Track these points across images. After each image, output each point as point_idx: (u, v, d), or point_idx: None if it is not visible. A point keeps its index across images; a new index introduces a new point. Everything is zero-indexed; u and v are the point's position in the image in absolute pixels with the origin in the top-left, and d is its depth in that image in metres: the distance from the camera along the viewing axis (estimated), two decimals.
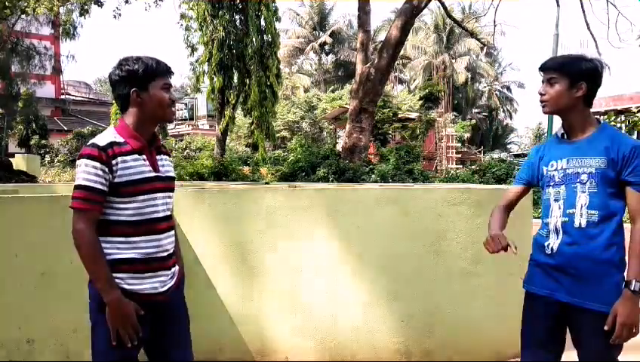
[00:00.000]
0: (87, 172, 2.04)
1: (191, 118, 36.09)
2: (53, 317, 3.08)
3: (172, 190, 2.27)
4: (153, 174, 2.15)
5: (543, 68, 2.27)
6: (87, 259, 2.03)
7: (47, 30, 19.75)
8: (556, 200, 2.23)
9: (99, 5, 14.44)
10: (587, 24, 13.04)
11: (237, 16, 17.54)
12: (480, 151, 32.64)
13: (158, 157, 2.22)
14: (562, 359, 2.30)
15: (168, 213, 2.23)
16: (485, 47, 18.11)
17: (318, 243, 3.57)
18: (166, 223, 2.19)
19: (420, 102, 27.91)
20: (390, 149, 16.01)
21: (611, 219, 2.14)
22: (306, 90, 39.11)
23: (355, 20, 19.67)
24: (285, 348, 3.58)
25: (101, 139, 2.09)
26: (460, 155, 28.28)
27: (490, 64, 45.40)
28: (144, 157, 2.14)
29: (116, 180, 2.05)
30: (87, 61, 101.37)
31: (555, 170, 2.25)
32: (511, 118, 49.23)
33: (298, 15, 44.18)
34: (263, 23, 17.40)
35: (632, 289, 2.04)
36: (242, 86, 17.67)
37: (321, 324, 3.57)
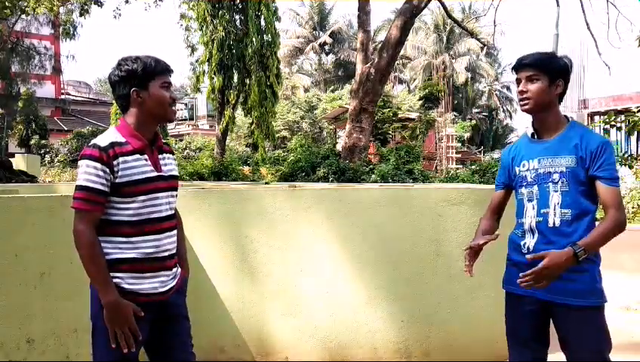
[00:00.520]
0: (88, 172, 2.04)
1: (191, 118, 36.07)
2: (53, 317, 3.08)
3: (175, 189, 2.27)
4: (155, 174, 2.14)
5: (521, 65, 2.25)
6: (86, 259, 2.03)
7: (47, 30, 19.75)
8: (530, 201, 2.25)
9: (99, 5, 14.44)
10: (587, 24, 13.04)
11: (237, 16, 17.53)
12: (480, 151, 32.65)
13: (160, 156, 2.22)
14: (555, 360, 2.31)
15: (171, 212, 2.22)
16: (485, 47, 18.10)
17: (318, 243, 3.57)
18: (168, 223, 2.19)
19: (420, 102, 27.92)
20: (390, 149, 16.00)
21: (584, 217, 2.15)
22: (306, 90, 39.11)
23: (355, 20, 19.67)
24: (285, 348, 3.58)
25: (102, 140, 2.09)
26: (459, 155, 28.28)
27: (490, 64, 45.39)
28: (146, 156, 2.14)
29: (117, 180, 2.05)
30: (87, 61, 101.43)
31: (527, 170, 2.26)
32: (511, 118, 49.23)
33: (298, 15, 44.17)
34: (263, 22, 17.40)
35: (575, 251, 2.03)
36: (242, 86, 17.66)
37: (321, 324, 3.57)
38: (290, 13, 43.65)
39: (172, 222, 2.23)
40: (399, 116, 23.26)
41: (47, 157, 22.53)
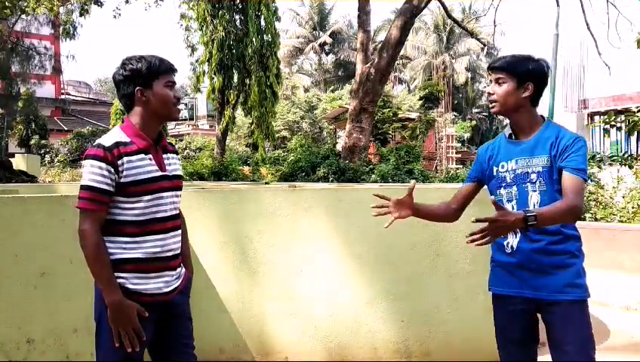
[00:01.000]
0: (92, 172, 2.03)
1: (191, 118, 36.07)
2: (53, 317, 3.08)
3: (179, 189, 2.27)
4: (159, 173, 2.14)
5: (491, 68, 2.30)
6: (91, 259, 2.03)
7: (47, 30, 19.76)
8: (509, 201, 2.26)
9: (99, 5, 14.44)
10: (587, 24, 13.03)
11: (237, 16, 17.54)
12: None
13: (164, 155, 2.22)
14: (547, 360, 2.31)
15: (175, 212, 2.22)
16: (485, 47, 18.11)
17: (318, 243, 3.57)
18: (172, 222, 2.19)
19: (420, 102, 27.91)
20: (390, 149, 15.99)
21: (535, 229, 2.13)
22: (306, 90, 39.11)
23: (355, 20, 19.67)
24: (285, 348, 3.58)
25: (107, 139, 2.09)
26: (459, 155, 28.28)
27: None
28: (150, 156, 2.14)
29: (122, 180, 2.05)
30: (87, 61, 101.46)
31: (505, 171, 2.28)
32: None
33: (298, 15, 44.17)
34: (263, 22, 17.41)
35: (527, 215, 1.99)
36: (242, 86, 17.67)
37: (321, 324, 3.57)
38: (290, 13, 43.67)
39: (176, 221, 2.23)
40: (399, 116, 23.25)
41: (47, 157, 22.54)
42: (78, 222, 2.04)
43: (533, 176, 2.20)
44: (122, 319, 2.03)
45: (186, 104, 35.22)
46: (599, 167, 9.96)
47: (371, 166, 13.44)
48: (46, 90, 25.63)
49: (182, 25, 18.11)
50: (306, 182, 11.93)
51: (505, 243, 2.27)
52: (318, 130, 30.51)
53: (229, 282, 3.59)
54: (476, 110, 44.77)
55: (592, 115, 19.93)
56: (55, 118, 29.68)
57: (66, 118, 30.53)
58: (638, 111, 10.75)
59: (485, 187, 2.47)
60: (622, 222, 8.38)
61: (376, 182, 11.64)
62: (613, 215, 8.66)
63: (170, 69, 2.19)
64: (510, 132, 2.32)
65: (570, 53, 19.67)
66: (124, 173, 2.05)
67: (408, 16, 12.55)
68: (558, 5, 13.70)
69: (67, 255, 3.03)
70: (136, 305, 2.06)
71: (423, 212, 2.53)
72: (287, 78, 33.30)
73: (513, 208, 2.23)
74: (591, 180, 8.88)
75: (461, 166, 24.53)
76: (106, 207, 2.06)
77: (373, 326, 3.59)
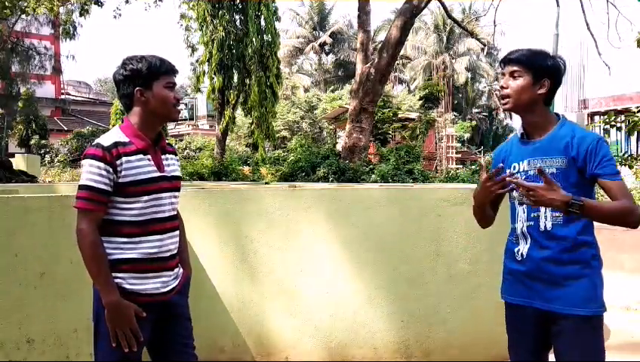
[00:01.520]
0: (91, 172, 2.04)
1: (191, 118, 36.07)
2: (53, 317, 3.08)
3: (178, 189, 2.27)
4: (158, 174, 2.14)
5: (507, 60, 2.14)
6: (88, 259, 2.03)
7: (47, 30, 19.76)
8: (520, 204, 2.14)
9: (99, 5, 14.43)
10: (587, 24, 13.03)
11: (237, 16, 17.53)
12: (480, 151, 32.65)
13: (163, 156, 2.22)
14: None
15: (174, 212, 2.22)
16: (485, 47, 18.11)
17: (318, 243, 3.57)
18: (170, 223, 2.19)
19: (420, 102, 27.91)
20: (390, 149, 15.98)
21: (577, 219, 2.03)
22: (306, 90, 39.11)
23: (355, 20, 19.66)
24: (285, 348, 3.58)
25: (105, 139, 2.09)
26: (459, 155, 28.28)
27: (490, 64, 45.39)
28: (149, 156, 2.14)
29: (121, 180, 2.05)
30: (87, 61, 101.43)
31: (517, 172, 2.16)
32: (511, 118, 49.12)
33: (298, 15, 44.18)
34: (263, 22, 17.40)
35: (572, 200, 1.90)
36: (242, 86, 17.67)
37: (321, 324, 3.57)
38: (290, 13, 43.67)
39: (174, 222, 2.23)
40: (399, 116, 23.25)
41: (47, 157, 22.52)
42: (76, 222, 2.04)
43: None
44: (119, 319, 2.03)
45: (186, 104, 35.22)
46: None
47: (371, 166, 13.45)
48: (46, 90, 25.62)
49: (182, 25, 18.11)
50: (306, 182, 11.92)
51: (515, 250, 2.18)
52: (318, 130, 30.50)
53: (229, 282, 3.59)
54: (476, 110, 44.78)
55: (592, 115, 19.92)
56: (55, 118, 29.67)
57: (66, 118, 30.52)
58: (638, 112, 10.74)
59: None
60: None
61: (376, 182, 11.64)
62: None
63: (170, 70, 2.18)
64: (522, 132, 2.20)
65: (570, 53, 19.66)
66: (123, 173, 2.05)
67: (408, 16, 12.55)
68: (558, 5, 13.71)
69: (67, 255, 3.03)
70: (133, 306, 2.06)
71: (491, 208, 2.32)
72: (287, 78, 33.29)
73: (524, 211, 2.13)
74: None
75: (461, 166, 24.54)
76: (104, 206, 2.06)
77: (373, 326, 3.59)
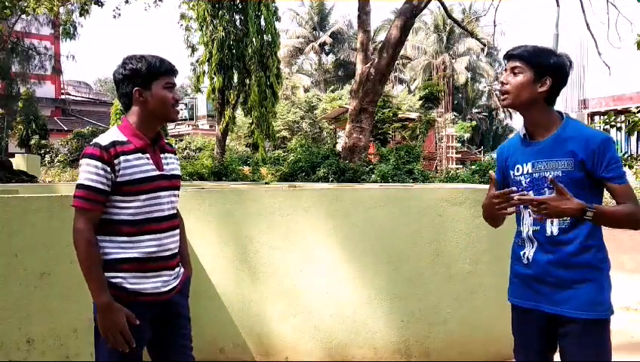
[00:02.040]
0: (88, 171, 2.04)
1: (191, 118, 36.08)
2: (53, 317, 3.08)
3: (177, 188, 2.26)
4: (157, 173, 2.14)
5: (509, 56, 2.10)
6: (82, 258, 2.03)
7: (47, 30, 19.77)
8: (526, 207, 2.09)
9: (99, 5, 14.43)
10: (587, 24, 13.04)
11: (237, 16, 17.54)
12: (480, 151, 32.63)
13: (162, 155, 2.21)
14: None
15: (173, 211, 2.22)
16: (485, 47, 18.11)
17: (318, 244, 3.57)
18: (170, 222, 2.18)
19: (420, 102, 27.91)
20: (390, 149, 15.99)
21: (584, 222, 1.98)
22: (306, 90, 39.10)
23: (355, 20, 19.66)
24: (285, 348, 3.58)
25: (104, 139, 2.09)
26: (459, 155, 28.27)
27: (490, 64, 45.40)
28: (147, 155, 2.13)
29: (119, 179, 2.05)
30: (87, 61, 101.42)
31: (521, 174, 2.11)
32: (511, 117, 49.20)
33: (298, 15, 44.19)
34: (263, 22, 17.40)
35: (586, 208, 1.89)
36: (242, 86, 17.68)
37: (321, 324, 3.57)
38: (290, 13, 43.69)
39: (174, 221, 2.22)
40: (399, 116, 23.25)
41: (47, 158, 22.54)
42: (73, 221, 2.04)
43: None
44: (109, 322, 2.01)
45: (185, 104, 35.24)
46: None
47: (371, 166, 13.45)
48: (46, 90, 25.63)
49: (182, 25, 18.12)
50: (306, 182, 11.92)
51: (521, 253, 2.14)
52: (318, 130, 30.50)
53: (229, 282, 3.59)
54: (476, 110, 44.78)
55: (592, 115, 19.93)
56: (55, 118, 29.68)
57: (66, 118, 30.54)
58: (638, 112, 10.74)
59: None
60: None
61: (376, 182, 11.64)
62: None
63: (170, 70, 2.18)
64: (524, 132, 2.14)
65: (570, 53, 19.67)
66: (121, 172, 2.05)
67: (408, 16, 12.56)
68: (558, 5, 13.71)
69: (67, 255, 3.02)
70: (125, 310, 2.03)
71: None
72: (287, 78, 33.28)
73: (530, 215, 2.09)
74: None
75: (461, 166, 24.54)
76: (101, 206, 2.05)
77: (373, 326, 3.59)
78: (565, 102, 19.90)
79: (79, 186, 2.04)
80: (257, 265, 3.58)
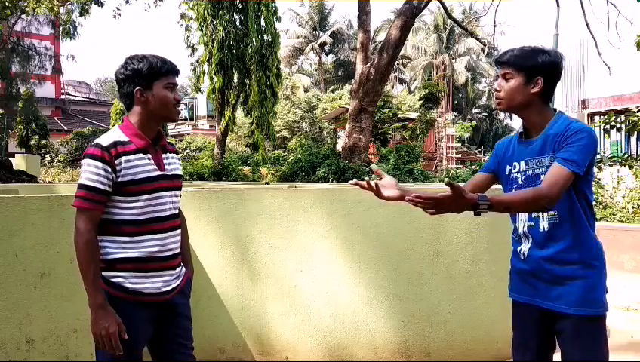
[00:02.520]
0: (89, 171, 2.04)
1: (191, 118, 36.09)
2: (53, 317, 3.08)
3: (179, 188, 2.26)
4: (158, 173, 2.14)
5: (497, 62, 2.14)
6: (80, 256, 2.03)
7: (47, 30, 19.77)
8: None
9: (99, 5, 14.44)
10: (587, 24, 13.03)
11: (237, 16, 17.55)
12: (480, 151, 32.65)
13: (164, 155, 2.22)
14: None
15: (175, 211, 2.22)
16: (486, 47, 18.10)
17: (318, 243, 3.57)
18: (171, 222, 2.18)
19: (420, 102, 27.93)
20: (390, 149, 16.00)
21: (574, 218, 2.03)
22: (306, 90, 39.12)
23: (355, 20, 19.67)
24: (285, 348, 3.58)
25: (105, 139, 2.10)
26: (459, 155, 28.29)
27: (490, 64, 45.40)
28: (149, 156, 2.13)
29: (120, 179, 2.05)
30: (87, 61, 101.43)
31: (517, 172, 2.16)
32: (511, 118, 49.16)
33: (298, 15, 44.21)
34: (263, 23, 17.41)
35: (478, 201, 1.84)
36: (242, 86, 17.69)
37: (321, 324, 3.57)
38: (290, 13, 43.71)
39: (176, 221, 2.22)
40: (399, 116, 23.27)
41: (47, 158, 22.54)
42: (75, 221, 2.05)
43: (543, 178, 2.03)
44: (100, 324, 2.00)
45: (185, 104, 35.25)
46: (599, 167, 9.97)
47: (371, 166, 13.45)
48: (46, 90, 25.63)
49: (182, 25, 18.14)
50: (306, 182, 11.93)
51: (518, 249, 2.18)
52: (318, 130, 30.52)
53: (229, 282, 3.59)
54: (476, 110, 44.80)
55: (592, 115, 19.92)
56: (55, 118, 29.69)
57: (66, 118, 30.54)
58: (638, 112, 10.75)
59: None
60: (622, 222, 8.39)
61: None
62: (613, 215, 8.67)
63: (171, 71, 2.17)
64: (522, 130, 2.18)
65: (570, 53, 19.64)
66: (122, 172, 2.05)
67: (408, 16, 12.56)
68: (558, 5, 13.69)
69: (67, 255, 3.03)
70: (117, 319, 2.02)
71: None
72: (287, 78, 33.29)
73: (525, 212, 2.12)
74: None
75: (461, 166, 24.55)
76: (102, 206, 2.05)
77: (373, 326, 3.59)
78: (565, 102, 19.90)
79: (80, 186, 2.05)
80: (257, 265, 3.58)
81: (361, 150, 13.22)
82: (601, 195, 9.06)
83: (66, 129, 27.73)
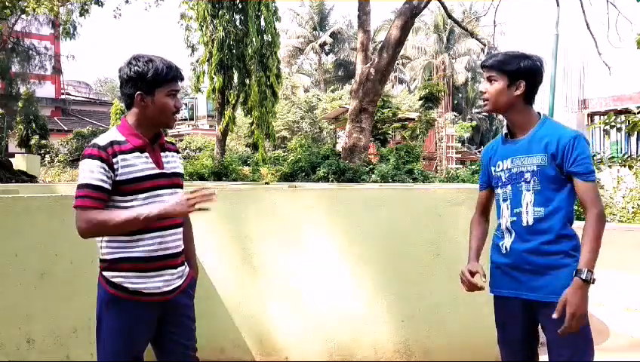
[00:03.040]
0: (88, 170, 2.03)
1: (191, 118, 36.08)
2: (53, 317, 3.07)
3: (179, 186, 2.25)
4: (156, 171, 2.13)
5: (482, 66, 2.28)
6: (113, 232, 2.03)
7: (47, 30, 19.76)
8: (504, 200, 2.26)
9: (99, 5, 14.43)
10: (587, 24, 13.02)
11: (237, 16, 17.57)
12: (480, 152, 32.63)
13: (163, 154, 2.21)
14: (546, 359, 2.30)
15: None
16: (486, 47, 18.10)
17: (319, 243, 3.57)
18: (171, 220, 2.17)
19: (420, 102, 27.92)
20: (390, 149, 15.98)
21: (558, 214, 2.14)
22: (306, 90, 39.13)
23: (355, 20, 19.67)
24: (285, 348, 3.58)
25: (102, 139, 2.10)
26: (460, 155, 28.28)
27: None
28: (146, 154, 2.13)
29: (118, 178, 2.05)
30: (87, 61, 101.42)
31: (501, 170, 2.28)
32: None
33: (298, 15, 44.19)
34: (263, 23, 17.44)
35: (583, 278, 2.02)
36: (242, 86, 17.71)
37: (321, 324, 3.57)
38: (290, 13, 43.69)
39: (176, 220, 2.21)
40: (399, 116, 23.25)
41: (47, 158, 22.53)
42: (76, 222, 2.01)
43: (528, 176, 2.18)
44: (170, 207, 2.03)
45: (186, 104, 35.26)
46: (598, 168, 9.98)
47: (371, 166, 13.44)
48: (46, 90, 25.62)
49: (182, 25, 18.14)
50: (306, 182, 11.93)
51: (500, 243, 2.27)
52: (318, 130, 30.52)
53: (229, 282, 3.59)
54: (476, 110, 44.76)
55: (592, 115, 19.91)
56: (55, 118, 29.68)
57: (66, 118, 30.53)
58: (638, 112, 10.75)
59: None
60: (622, 222, 8.40)
61: (376, 182, 11.64)
62: (613, 215, 8.67)
63: (176, 77, 2.15)
64: (506, 131, 2.31)
65: (570, 53, 19.64)
66: (119, 170, 2.05)
67: (408, 17, 12.55)
68: (558, 5, 13.68)
69: (67, 255, 3.03)
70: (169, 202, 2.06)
71: (479, 251, 2.43)
72: (287, 78, 33.30)
73: (508, 208, 2.23)
74: None
75: (461, 166, 24.54)
76: (103, 204, 2.03)
77: (373, 326, 3.59)
78: (565, 102, 19.89)
79: (80, 186, 2.03)
80: (257, 265, 3.58)
81: (361, 150, 13.22)
82: (601, 195, 9.06)
83: (66, 129, 27.72)
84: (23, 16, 15.84)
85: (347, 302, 3.58)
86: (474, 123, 34.03)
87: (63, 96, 32.28)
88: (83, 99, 35.50)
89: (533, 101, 2.27)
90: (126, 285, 2.08)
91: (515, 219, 2.21)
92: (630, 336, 4.43)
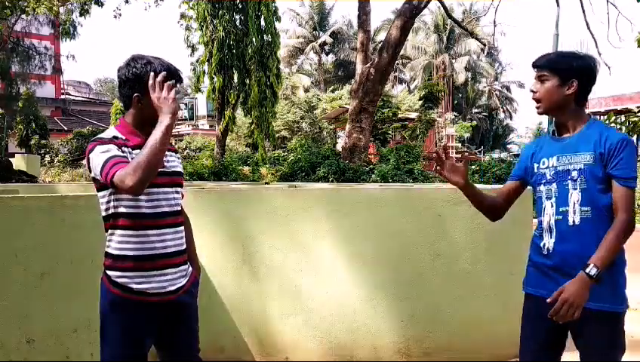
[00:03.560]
0: (101, 151, 2.00)
1: (191, 118, 36.07)
2: (53, 317, 3.07)
3: (179, 185, 2.25)
4: None
5: (534, 65, 2.25)
6: (153, 161, 1.93)
7: (47, 30, 19.74)
8: (548, 198, 2.20)
9: (99, 5, 14.43)
10: (587, 24, 13.03)
11: (237, 16, 17.55)
12: (480, 151, 32.64)
13: None
14: (562, 359, 2.29)
15: (175, 208, 2.21)
16: (486, 47, 18.10)
17: (319, 243, 3.57)
18: (171, 219, 2.17)
19: (420, 102, 27.91)
20: (390, 149, 15.96)
21: (605, 215, 2.09)
22: (306, 90, 39.08)
23: (355, 20, 19.67)
24: (285, 348, 3.58)
25: (104, 135, 2.12)
26: (460, 155, 28.26)
27: (490, 64, 45.40)
28: None
29: None
30: (87, 61, 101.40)
31: (546, 167, 2.23)
32: (511, 118, 49.26)
33: (298, 15, 44.15)
34: (263, 23, 17.41)
35: (587, 272, 1.99)
36: (242, 86, 17.69)
37: (321, 324, 3.57)
38: (290, 13, 43.65)
39: (176, 218, 2.21)
40: (399, 116, 23.24)
41: (47, 158, 22.51)
42: (123, 189, 1.92)
43: (575, 174, 2.12)
44: (168, 107, 2.01)
45: (185, 104, 35.25)
46: None
47: (371, 166, 13.44)
48: (46, 90, 25.61)
49: (182, 25, 18.13)
50: (306, 182, 11.93)
51: (541, 244, 2.22)
52: (318, 130, 30.49)
53: (229, 282, 3.59)
54: (476, 110, 44.79)
55: (592, 115, 19.90)
56: (55, 118, 29.66)
57: (66, 118, 30.51)
58: (638, 112, 10.74)
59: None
60: None
61: (376, 182, 11.63)
62: None
63: (174, 80, 2.14)
64: (554, 129, 2.28)
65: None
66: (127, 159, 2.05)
67: (408, 17, 12.55)
68: (558, 5, 13.70)
69: (67, 255, 3.03)
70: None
71: (471, 190, 2.36)
72: (287, 78, 33.27)
73: (552, 206, 2.18)
74: None
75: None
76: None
77: (373, 326, 3.59)
78: None
79: (103, 164, 1.96)
80: (257, 265, 3.58)
81: (361, 150, 13.22)
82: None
83: (66, 129, 27.70)
84: (23, 16, 15.83)
85: (347, 302, 3.58)
86: (474, 123, 34.02)
87: (63, 96, 32.27)
88: (83, 99, 35.49)
89: (584, 102, 2.23)
90: (131, 286, 2.08)
91: (560, 217, 2.16)
92: (630, 336, 4.42)
